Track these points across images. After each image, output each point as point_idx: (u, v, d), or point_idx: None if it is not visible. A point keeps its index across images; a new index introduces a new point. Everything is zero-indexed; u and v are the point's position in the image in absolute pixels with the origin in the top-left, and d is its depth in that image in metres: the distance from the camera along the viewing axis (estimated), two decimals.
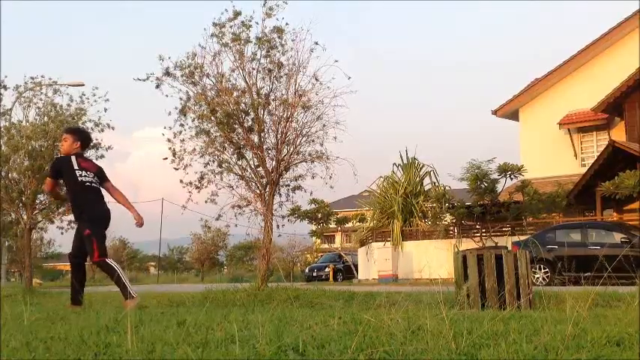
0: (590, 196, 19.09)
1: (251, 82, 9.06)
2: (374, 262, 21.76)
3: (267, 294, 7.40)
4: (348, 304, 6.08)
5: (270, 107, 9.14)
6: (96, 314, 4.18)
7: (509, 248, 10.06)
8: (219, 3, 10.27)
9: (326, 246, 47.04)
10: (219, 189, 9.31)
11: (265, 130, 9.12)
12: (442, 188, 22.12)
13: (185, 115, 9.11)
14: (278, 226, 9.55)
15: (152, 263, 55.96)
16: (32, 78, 14.24)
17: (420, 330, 2.56)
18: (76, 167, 5.65)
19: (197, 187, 9.33)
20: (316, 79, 9.05)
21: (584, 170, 20.22)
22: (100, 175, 5.87)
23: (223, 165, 9.22)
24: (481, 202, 19.77)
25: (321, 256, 36.36)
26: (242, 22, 8.99)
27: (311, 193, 9.92)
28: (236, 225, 9.77)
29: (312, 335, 2.55)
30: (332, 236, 52.09)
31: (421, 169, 23.70)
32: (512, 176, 19.22)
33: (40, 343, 2.62)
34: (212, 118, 8.94)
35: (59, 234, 14.96)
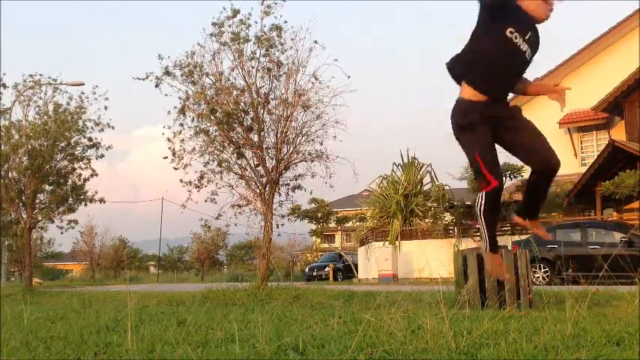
0: (590, 196, 19.08)
1: (250, 81, 9.06)
2: (374, 261, 21.76)
3: (267, 293, 7.40)
4: (348, 304, 6.08)
5: (269, 106, 9.14)
6: (95, 314, 4.17)
7: (510, 247, 10.05)
8: (219, 2, 10.26)
9: (326, 245, 47.04)
10: (219, 188, 9.33)
11: (265, 129, 9.12)
12: (442, 188, 22.13)
13: (184, 115, 9.11)
14: (278, 226, 9.57)
15: (152, 262, 55.93)
16: (31, 76, 14.23)
17: (420, 329, 2.56)
18: None
19: (197, 187, 9.34)
20: (316, 78, 9.05)
21: (584, 170, 20.20)
22: None
23: (223, 164, 9.22)
24: None
25: (321, 255, 36.37)
26: (240, 20, 8.99)
27: (311, 193, 9.94)
28: (236, 224, 9.79)
29: (312, 335, 2.55)
30: (332, 236, 52.09)
31: (421, 168, 23.71)
32: (512, 176, 19.25)
33: (40, 343, 2.61)
34: (211, 117, 8.94)
35: (59, 233, 15.00)
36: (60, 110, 13.86)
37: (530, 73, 3.81)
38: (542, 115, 25.45)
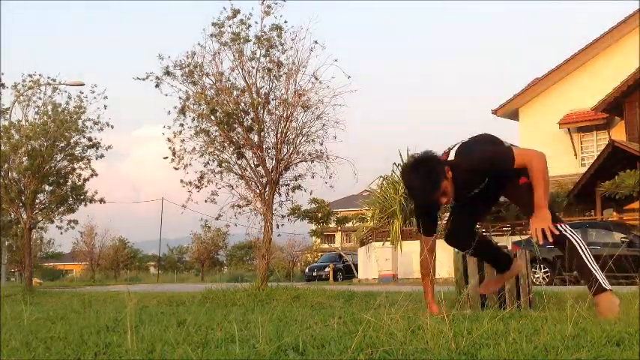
0: (590, 196, 19.09)
1: (250, 81, 9.06)
2: (375, 261, 21.77)
3: (267, 294, 7.41)
4: (348, 304, 6.08)
5: (269, 106, 9.14)
6: (95, 314, 4.18)
7: (510, 248, 10.06)
8: (219, 2, 10.26)
9: (326, 246, 47.07)
10: (219, 188, 9.32)
11: (265, 129, 9.11)
12: None
13: (185, 115, 9.11)
14: (278, 226, 9.55)
15: (152, 263, 55.98)
16: (30, 76, 14.22)
17: (420, 329, 2.56)
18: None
19: (197, 187, 9.34)
20: (316, 78, 9.04)
21: (584, 170, 20.22)
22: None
23: (223, 164, 9.22)
24: None
25: (321, 255, 36.40)
26: (241, 20, 8.99)
27: (311, 193, 9.93)
28: (236, 225, 9.78)
29: (312, 335, 2.55)
30: (332, 236, 52.13)
31: None
32: None
33: (40, 343, 2.62)
34: (212, 117, 8.94)
35: (59, 234, 14.97)
36: (59, 110, 13.87)
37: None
38: (542, 115, 25.51)
